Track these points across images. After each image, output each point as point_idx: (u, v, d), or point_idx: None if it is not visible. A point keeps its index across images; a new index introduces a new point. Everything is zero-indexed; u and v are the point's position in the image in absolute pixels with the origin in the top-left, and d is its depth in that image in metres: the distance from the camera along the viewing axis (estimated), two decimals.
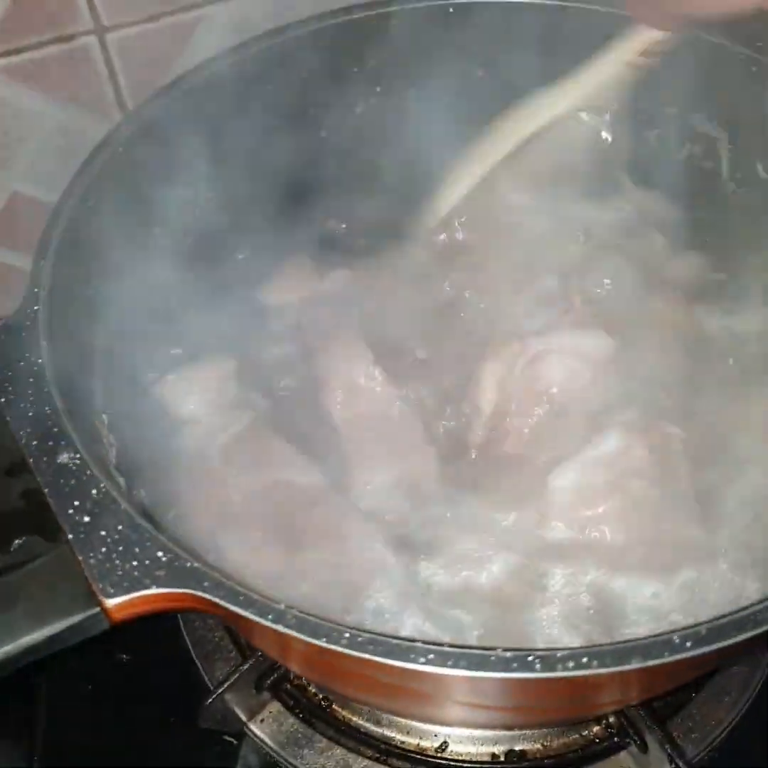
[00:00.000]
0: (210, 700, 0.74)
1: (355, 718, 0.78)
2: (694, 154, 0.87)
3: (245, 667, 0.75)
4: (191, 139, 0.77)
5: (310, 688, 0.79)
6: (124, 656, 0.81)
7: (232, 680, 0.75)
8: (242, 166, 0.85)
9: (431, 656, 0.49)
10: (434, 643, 0.49)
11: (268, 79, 0.85)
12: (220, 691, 0.74)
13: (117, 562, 0.53)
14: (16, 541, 0.55)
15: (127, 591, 0.52)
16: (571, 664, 0.48)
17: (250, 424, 0.77)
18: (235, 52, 0.84)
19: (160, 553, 0.53)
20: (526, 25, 0.84)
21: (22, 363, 0.61)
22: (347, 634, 0.50)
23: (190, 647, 0.81)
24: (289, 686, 0.78)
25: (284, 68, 0.85)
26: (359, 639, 0.50)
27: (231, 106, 0.83)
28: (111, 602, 0.52)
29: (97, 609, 0.52)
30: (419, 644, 0.49)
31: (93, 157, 0.74)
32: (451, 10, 0.86)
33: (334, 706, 0.78)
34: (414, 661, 0.49)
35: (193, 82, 0.81)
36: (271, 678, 0.76)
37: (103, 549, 0.53)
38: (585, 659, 0.48)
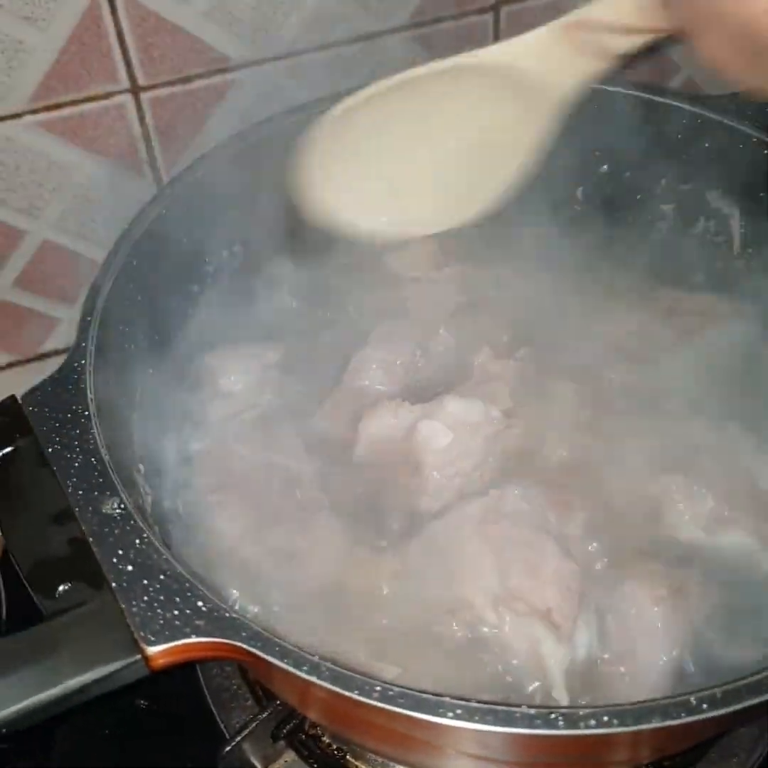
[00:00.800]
0: (228, 749, 0.75)
1: None
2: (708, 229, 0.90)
3: (263, 716, 0.76)
4: (233, 202, 0.80)
5: (325, 738, 0.80)
6: (143, 702, 0.83)
7: (250, 729, 0.76)
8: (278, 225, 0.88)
9: (459, 711, 0.51)
10: (462, 699, 0.52)
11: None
12: (238, 739, 0.76)
13: (158, 610, 0.55)
14: (62, 587, 0.57)
15: (168, 639, 0.54)
16: (592, 722, 0.50)
17: (275, 410, 0.81)
18: (272, 121, 0.88)
19: (199, 603, 0.55)
20: None
21: (69, 414, 0.64)
22: (378, 688, 0.52)
23: (208, 695, 0.83)
24: (304, 736, 0.79)
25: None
26: (390, 692, 0.52)
27: (271, 172, 0.86)
28: (152, 650, 0.54)
29: (139, 656, 0.54)
30: (447, 699, 0.51)
31: (140, 216, 0.77)
32: None
33: (348, 756, 0.79)
34: (442, 715, 0.51)
35: (237, 147, 0.84)
36: (287, 727, 0.77)
37: (145, 598, 0.56)
38: (606, 718, 0.50)
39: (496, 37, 1.09)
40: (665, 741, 0.60)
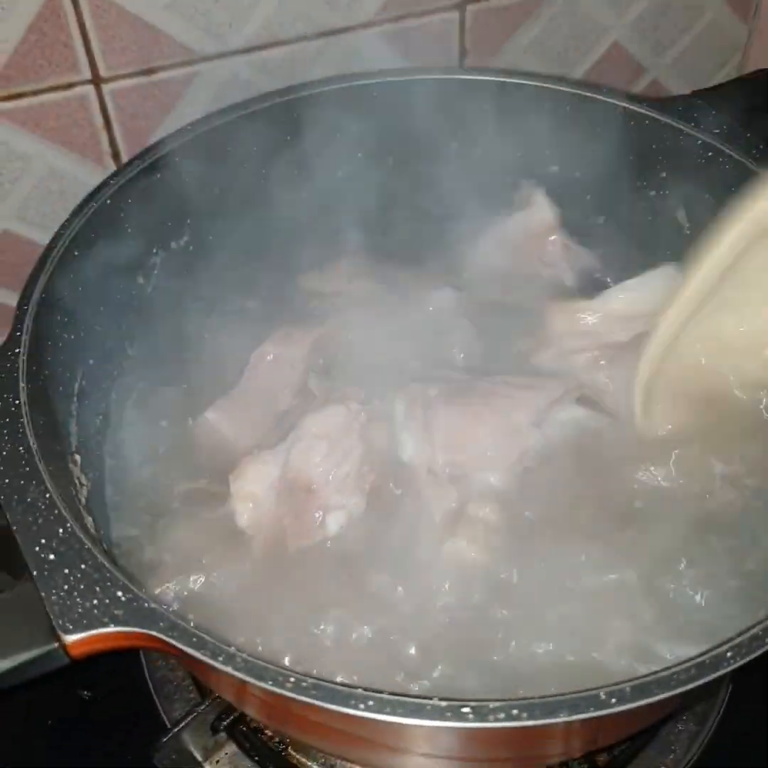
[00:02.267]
0: (166, 739, 0.75)
1: (309, 763, 0.79)
2: None
3: (202, 707, 0.76)
4: (178, 192, 0.80)
5: (267, 731, 0.80)
6: (86, 692, 0.83)
7: (188, 720, 0.76)
8: (226, 220, 0.88)
9: (370, 703, 0.51)
10: (374, 691, 0.52)
11: (252, 139, 0.89)
12: (176, 729, 0.76)
13: (78, 599, 0.55)
14: None
15: (86, 628, 0.54)
16: (501, 715, 0.51)
17: None
18: (223, 114, 0.88)
19: (119, 593, 0.56)
20: None
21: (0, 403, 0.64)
22: (292, 679, 0.52)
23: (151, 685, 0.83)
24: (245, 729, 0.80)
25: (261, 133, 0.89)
26: (303, 684, 0.52)
27: (218, 164, 0.86)
28: (69, 638, 0.54)
29: (56, 644, 0.54)
30: (360, 691, 0.52)
31: (82, 208, 0.77)
32: None
33: (289, 749, 0.80)
34: (354, 706, 0.51)
35: (182, 141, 0.84)
36: (228, 720, 0.77)
37: (66, 586, 0.56)
38: (515, 711, 0.51)
39: (462, 35, 1.10)
40: (583, 734, 0.61)
